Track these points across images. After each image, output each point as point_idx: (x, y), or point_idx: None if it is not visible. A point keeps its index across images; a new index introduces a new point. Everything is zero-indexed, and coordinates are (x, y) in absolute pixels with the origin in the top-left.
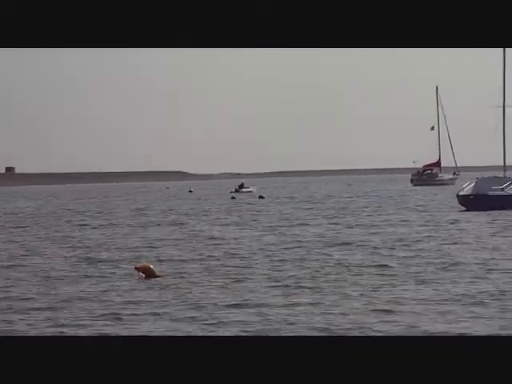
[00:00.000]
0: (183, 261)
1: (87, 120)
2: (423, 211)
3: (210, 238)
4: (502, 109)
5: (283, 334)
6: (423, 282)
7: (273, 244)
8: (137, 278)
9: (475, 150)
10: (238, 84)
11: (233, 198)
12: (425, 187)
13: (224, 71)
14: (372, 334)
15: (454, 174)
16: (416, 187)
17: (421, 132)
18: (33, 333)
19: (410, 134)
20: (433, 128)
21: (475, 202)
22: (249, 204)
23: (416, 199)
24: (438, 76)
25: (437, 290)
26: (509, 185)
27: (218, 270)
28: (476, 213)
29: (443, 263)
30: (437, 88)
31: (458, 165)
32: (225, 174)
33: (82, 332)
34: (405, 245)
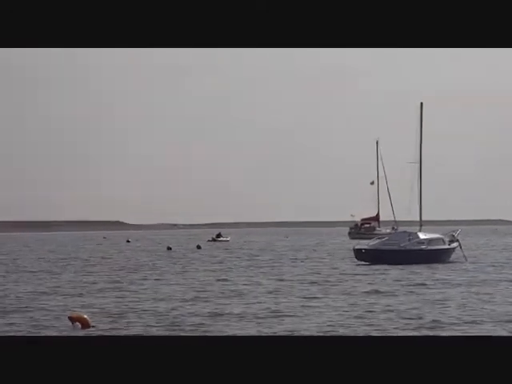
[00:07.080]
0: None
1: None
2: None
3: None
4: (418, 164)
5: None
6: None
7: None
8: (74, 327)
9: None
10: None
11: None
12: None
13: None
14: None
15: (393, 228)
16: (352, 240)
17: (360, 185)
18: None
19: (348, 188)
20: (372, 183)
21: (367, 256)
22: None
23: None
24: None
25: None
26: (410, 239)
27: None
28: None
29: None
30: (377, 142)
31: (398, 219)
32: (162, 224)
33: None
34: None
